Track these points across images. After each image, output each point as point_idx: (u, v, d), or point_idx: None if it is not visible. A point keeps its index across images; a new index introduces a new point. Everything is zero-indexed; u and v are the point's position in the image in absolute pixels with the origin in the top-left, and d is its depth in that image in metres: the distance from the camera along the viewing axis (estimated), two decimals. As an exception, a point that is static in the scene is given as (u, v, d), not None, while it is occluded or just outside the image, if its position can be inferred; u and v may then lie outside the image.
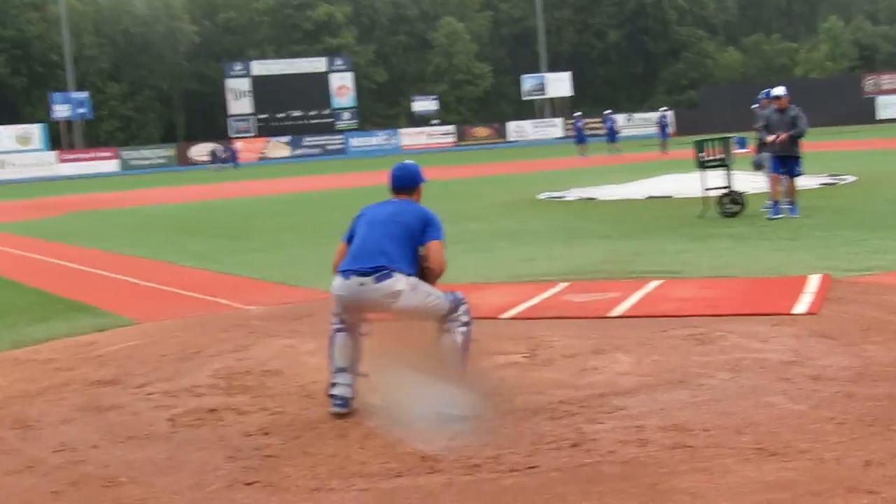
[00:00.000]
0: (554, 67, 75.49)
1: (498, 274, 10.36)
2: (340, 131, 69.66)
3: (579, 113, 48.75)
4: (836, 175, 20.67)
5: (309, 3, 79.98)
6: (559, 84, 72.16)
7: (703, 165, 14.69)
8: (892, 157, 27.02)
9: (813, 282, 8.69)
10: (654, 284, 9.12)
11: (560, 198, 20.23)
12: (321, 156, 66.19)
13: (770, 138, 13.73)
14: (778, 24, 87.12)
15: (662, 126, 41.77)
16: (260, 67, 70.43)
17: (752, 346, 6.62)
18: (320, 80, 70.30)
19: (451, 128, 70.82)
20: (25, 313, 9.76)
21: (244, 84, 69.21)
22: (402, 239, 5.51)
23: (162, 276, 12.17)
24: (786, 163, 13.77)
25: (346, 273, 5.49)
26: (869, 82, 63.54)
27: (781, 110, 13.91)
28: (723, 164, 14.60)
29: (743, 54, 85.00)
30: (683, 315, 7.71)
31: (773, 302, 8.06)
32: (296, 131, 68.49)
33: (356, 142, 68.75)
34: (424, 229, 5.57)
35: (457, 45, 79.44)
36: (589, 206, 18.19)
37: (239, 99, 68.95)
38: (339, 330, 5.60)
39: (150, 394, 6.23)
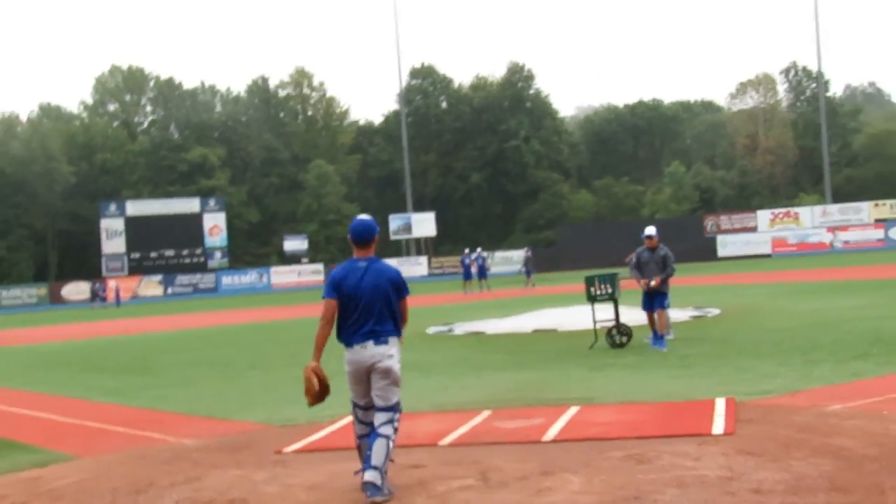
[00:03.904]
0: (419, 208, 77.35)
1: (419, 404, 10.62)
2: (212, 270, 69.82)
3: (467, 249, 50.01)
4: (702, 308, 21.92)
5: (184, 146, 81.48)
6: (425, 224, 73.84)
7: (593, 299, 15.47)
8: (741, 291, 28.72)
9: (720, 405, 9.31)
10: (573, 410, 9.57)
11: (448, 332, 20.68)
12: (193, 294, 66.74)
13: (642, 284, 14.71)
14: (626, 168, 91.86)
15: (525, 264, 43.56)
16: (134, 207, 70.56)
17: (687, 464, 7.08)
18: (193, 220, 70.76)
19: (319, 266, 71.29)
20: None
21: (118, 224, 69.12)
22: (385, 305, 6.72)
23: (81, 412, 11.96)
24: (655, 298, 14.73)
25: (351, 343, 6.70)
26: (709, 223, 67.38)
27: (652, 249, 14.93)
28: (611, 297, 15.43)
29: (594, 196, 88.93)
30: (613, 438, 8.16)
31: (691, 424, 8.60)
32: (168, 270, 68.96)
33: (228, 280, 69.19)
34: (398, 290, 6.79)
35: (327, 186, 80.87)
36: (481, 340, 18.69)
37: (112, 238, 68.68)
38: (362, 436, 6.80)
39: (115, 527, 6.21)
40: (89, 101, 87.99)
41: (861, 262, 42.95)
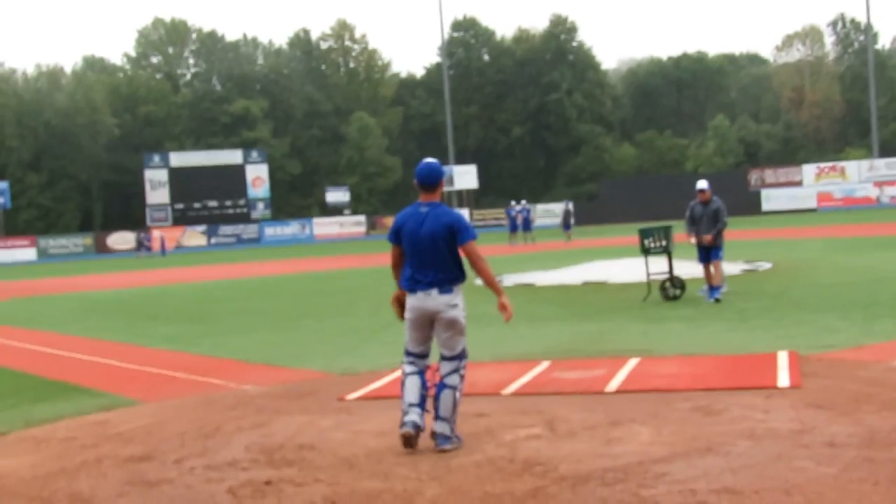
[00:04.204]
0: (461, 161, 77.11)
1: (478, 354, 10.59)
2: (255, 221, 70.35)
3: (513, 202, 49.87)
4: (753, 262, 21.69)
5: (226, 98, 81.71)
6: (466, 177, 73.64)
7: (647, 252, 15.35)
8: (789, 245, 28.39)
9: (783, 358, 9.22)
10: (633, 362, 9.52)
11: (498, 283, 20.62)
12: (236, 244, 67.42)
13: (693, 240, 14.60)
14: (669, 121, 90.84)
15: (566, 218, 43.36)
16: (178, 159, 71.20)
17: (756, 416, 7.01)
18: (236, 171, 71.26)
19: (362, 218, 71.66)
20: (22, 395, 9.65)
21: (162, 175, 69.83)
22: (443, 252, 6.50)
23: (141, 358, 12.12)
24: (710, 251, 14.60)
25: (412, 289, 6.53)
26: (754, 177, 66.55)
27: (704, 203, 14.74)
28: (665, 250, 15.29)
29: (637, 149, 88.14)
30: (678, 389, 8.11)
31: (756, 376, 8.52)
32: (211, 221, 69.62)
33: (270, 231, 69.73)
34: (455, 236, 6.52)
35: (368, 139, 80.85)
36: (531, 291, 18.63)
37: (156, 189, 69.52)
38: (410, 373, 6.59)
39: (192, 468, 6.27)
40: (132, 53, 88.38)
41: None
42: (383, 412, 7.77)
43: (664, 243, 15.27)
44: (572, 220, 45.14)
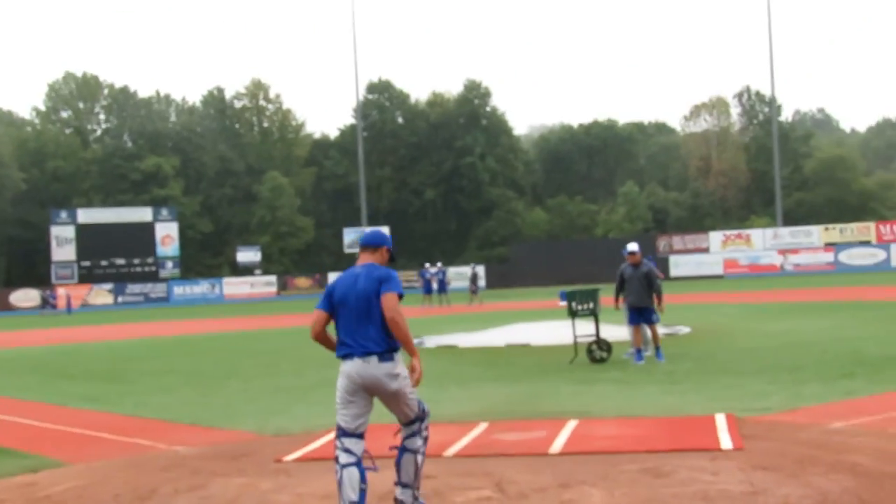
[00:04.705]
0: (373, 222, 77.05)
1: (412, 416, 10.42)
2: (164, 279, 69.14)
3: (427, 264, 49.85)
4: (671, 325, 21.95)
5: (137, 155, 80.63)
6: (378, 238, 73.51)
7: (574, 314, 15.40)
8: (703, 310, 28.86)
9: (721, 421, 9.25)
10: (573, 423, 9.45)
11: (419, 344, 20.47)
12: (144, 303, 66.13)
13: (621, 304, 14.76)
14: (580, 187, 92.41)
15: (473, 281, 43.49)
16: (85, 215, 69.63)
17: (705, 478, 6.98)
18: (145, 229, 70.01)
19: (273, 278, 70.84)
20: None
21: (69, 231, 68.23)
22: (379, 312, 5.99)
23: (61, 418, 11.64)
24: (642, 313, 14.74)
25: (347, 355, 5.97)
26: (662, 243, 68.00)
27: (634, 265, 14.91)
28: (592, 313, 15.37)
29: (548, 214, 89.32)
30: (622, 451, 8.05)
31: (698, 438, 8.52)
32: (119, 279, 68.14)
33: (179, 290, 68.49)
34: (380, 287, 6.05)
35: (281, 198, 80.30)
36: (455, 353, 18.49)
37: (62, 246, 67.85)
38: (346, 465, 5.84)
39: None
40: (42, 107, 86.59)
41: (813, 285, 43.49)
42: (323, 474, 7.53)
43: (591, 305, 15.35)
44: (481, 283, 45.28)
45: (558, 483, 6.97)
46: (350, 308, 6.05)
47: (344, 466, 5.84)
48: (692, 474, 7.10)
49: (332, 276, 70.65)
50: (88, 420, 11.36)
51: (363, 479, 5.85)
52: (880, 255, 61.14)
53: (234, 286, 69.08)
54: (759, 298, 34.91)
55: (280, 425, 10.22)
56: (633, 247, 15.14)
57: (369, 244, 6.40)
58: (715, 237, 66.33)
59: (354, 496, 5.76)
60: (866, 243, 62.57)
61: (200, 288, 69.15)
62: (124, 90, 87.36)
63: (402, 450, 6.17)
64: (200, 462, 8.29)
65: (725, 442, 8.26)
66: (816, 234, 64.76)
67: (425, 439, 6.23)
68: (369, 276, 6.13)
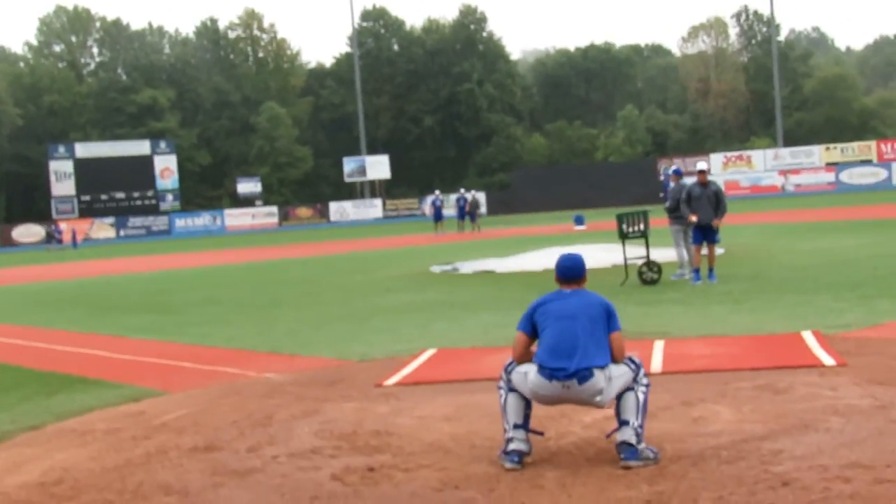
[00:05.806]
0: (372, 151, 76.62)
1: (491, 339, 10.38)
2: (165, 212, 68.83)
3: (438, 191, 49.69)
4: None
5: (132, 88, 79.87)
6: (378, 167, 73.23)
7: (625, 237, 15.33)
8: (724, 231, 28.78)
9: (810, 338, 9.22)
10: (660, 344, 9.41)
11: (454, 271, 20.42)
12: (146, 236, 65.94)
13: (694, 219, 14.47)
14: (578, 111, 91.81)
15: (473, 207, 43.24)
16: (83, 150, 69.32)
17: (826, 393, 6.94)
18: (144, 162, 69.71)
19: (274, 209, 70.59)
20: (26, 388, 9.12)
21: (67, 166, 67.97)
22: (595, 332, 5.63)
23: (132, 349, 11.62)
24: (707, 233, 14.62)
25: (548, 373, 5.53)
26: (663, 166, 67.77)
27: (703, 185, 14.73)
28: (643, 235, 15.30)
29: (548, 139, 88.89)
30: (726, 369, 8.02)
31: (796, 356, 8.48)
32: (119, 213, 67.99)
33: (181, 223, 68.36)
34: (608, 320, 5.71)
35: (278, 129, 79.63)
36: (496, 279, 18.40)
37: (61, 181, 67.61)
38: (510, 390, 5.72)
39: (273, 457, 5.93)
40: (34, 42, 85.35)
41: (815, 205, 43.35)
42: (433, 398, 7.52)
43: (641, 227, 15.28)
44: (482, 210, 45.08)
45: (680, 401, 6.94)
46: (561, 326, 5.65)
47: (510, 391, 5.73)
48: (811, 390, 7.07)
49: (333, 207, 70.45)
50: (161, 350, 11.32)
51: (529, 406, 5.74)
52: (881, 173, 61.10)
53: (235, 217, 68.90)
54: (771, 219, 34.84)
55: (360, 352, 10.18)
56: (703, 165, 15.00)
57: (573, 278, 5.91)
58: (716, 159, 66.08)
59: (518, 419, 5.68)
60: (867, 162, 62.49)
61: (202, 220, 69.00)
62: (116, 22, 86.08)
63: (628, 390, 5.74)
64: (299, 388, 8.26)
65: (826, 359, 8.23)
66: (817, 154, 64.65)
67: (646, 385, 5.78)
68: (594, 300, 5.80)
